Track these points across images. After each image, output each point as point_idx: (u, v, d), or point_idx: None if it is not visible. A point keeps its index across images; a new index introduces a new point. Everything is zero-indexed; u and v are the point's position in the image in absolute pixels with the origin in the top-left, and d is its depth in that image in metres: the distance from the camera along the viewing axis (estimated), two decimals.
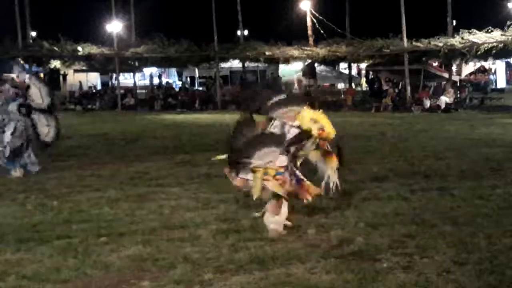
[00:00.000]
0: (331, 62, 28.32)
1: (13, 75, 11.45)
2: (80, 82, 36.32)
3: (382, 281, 4.61)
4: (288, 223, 6.06)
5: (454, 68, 28.40)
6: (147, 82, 37.97)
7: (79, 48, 28.78)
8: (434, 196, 7.55)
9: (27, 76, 10.57)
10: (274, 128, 6.05)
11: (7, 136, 9.83)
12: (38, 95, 10.13)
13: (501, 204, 7.01)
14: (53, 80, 34.03)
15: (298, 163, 6.10)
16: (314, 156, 6.22)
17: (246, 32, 33.16)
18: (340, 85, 36.08)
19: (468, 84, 29.69)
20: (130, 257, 5.29)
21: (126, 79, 37.07)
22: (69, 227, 6.36)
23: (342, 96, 29.03)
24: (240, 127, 5.99)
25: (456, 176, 8.94)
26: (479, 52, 23.65)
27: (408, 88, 24.91)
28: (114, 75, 32.12)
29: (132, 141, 14.68)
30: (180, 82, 40.54)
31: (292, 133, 5.97)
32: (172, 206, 7.25)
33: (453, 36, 24.23)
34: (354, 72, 35.39)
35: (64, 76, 36.22)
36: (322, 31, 27.41)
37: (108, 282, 4.79)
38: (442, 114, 22.08)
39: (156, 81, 38.04)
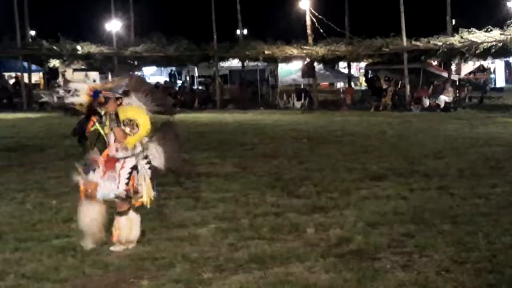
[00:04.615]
0: (330, 61, 28.25)
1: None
2: None
3: (381, 280, 4.61)
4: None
5: (453, 67, 28.38)
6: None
7: (78, 47, 28.71)
8: (433, 195, 7.56)
9: None
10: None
11: None
12: None
13: (500, 203, 7.02)
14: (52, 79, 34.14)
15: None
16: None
17: (245, 31, 33.11)
18: (340, 84, 36.09)
19: (467, 83, 29.68)
20: (129, 256, 5.29)
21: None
22: (68, 226, 6.35)
23: (342, 95, 29.01)
24: None
25: (455, 175, 8.95)
26: (478, 51, 23.61)
27: (408, 87, 24.90)
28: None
29: None
30: (180, 82, 40.50)
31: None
32: (171, 205, 7.24)
33: (452, 35, 24.17)
34: (353, 71, 35.39)
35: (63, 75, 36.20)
36: (321, 30, 27.32)
37: (107, 281, 4.79)
38: (441, 113, 22.05)
39: (183, 79, 38.05)
